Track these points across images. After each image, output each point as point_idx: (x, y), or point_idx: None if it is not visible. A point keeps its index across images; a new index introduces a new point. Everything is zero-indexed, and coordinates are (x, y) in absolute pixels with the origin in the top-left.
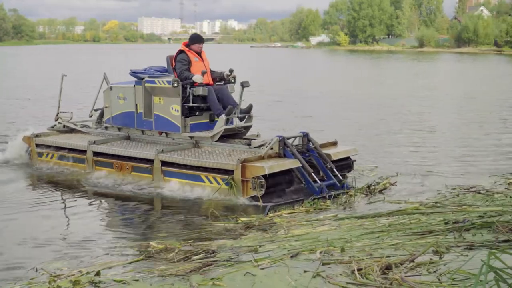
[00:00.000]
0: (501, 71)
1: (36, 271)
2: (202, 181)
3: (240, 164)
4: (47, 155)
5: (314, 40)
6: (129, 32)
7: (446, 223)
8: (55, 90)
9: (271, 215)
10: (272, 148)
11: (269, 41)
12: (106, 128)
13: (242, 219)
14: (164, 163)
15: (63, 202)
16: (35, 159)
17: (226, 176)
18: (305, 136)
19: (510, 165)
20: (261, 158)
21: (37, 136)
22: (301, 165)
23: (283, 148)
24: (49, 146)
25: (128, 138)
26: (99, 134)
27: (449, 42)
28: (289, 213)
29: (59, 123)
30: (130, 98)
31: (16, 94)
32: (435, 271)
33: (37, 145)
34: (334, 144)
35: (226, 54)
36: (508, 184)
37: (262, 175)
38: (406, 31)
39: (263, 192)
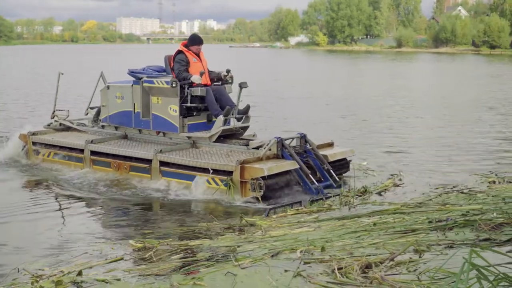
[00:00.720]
0: (480, 71)
1: (18, 271)
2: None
3: (239, 166)
4: (43, 154)
5: (293, 40)
6: (108, 32)
7: (430, 222)
8: (35, 90)
9: (274, 216)
10: (270, 149)
11: (248, 41)
12: (103, 126)
13: (246, 219)
14: (162, 163)
15: (54, 202)
16: (31, 157)
17: (225, 177)
18: (303, 137)
19: (491, 163)
20: (260, 159)
21: (33, 134)
22: (299, 166)
23: (281, 149)
24: (45, 144)
25: (125, 137)
26: (95, 132)
27: (427, 42)
28: (292, 214)
29: (55, 121)
30: (128, 98)
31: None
32: (415, 270)
33: (34, 143)
34: (330, 145)
35: (206, 54)
36: (489, 182)
37: (261, 176)
38: (384, 31)
39: (262, 193)
